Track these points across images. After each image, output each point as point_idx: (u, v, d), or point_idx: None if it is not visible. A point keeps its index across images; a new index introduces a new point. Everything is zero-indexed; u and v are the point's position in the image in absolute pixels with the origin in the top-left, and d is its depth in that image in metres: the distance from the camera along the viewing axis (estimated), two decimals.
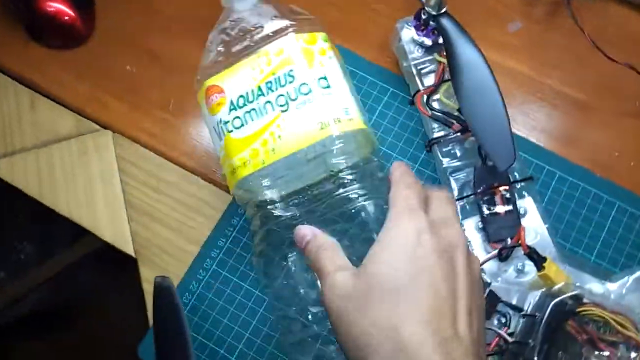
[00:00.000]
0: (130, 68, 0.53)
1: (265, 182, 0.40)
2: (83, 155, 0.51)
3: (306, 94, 0.39)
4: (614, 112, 0.50)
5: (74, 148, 0.51)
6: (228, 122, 0.40)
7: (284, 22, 0.41)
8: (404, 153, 0.49)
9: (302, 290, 0.40)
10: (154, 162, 0.51)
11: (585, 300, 0.38)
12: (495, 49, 0.52)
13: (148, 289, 0.47)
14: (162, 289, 0.39)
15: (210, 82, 0.41)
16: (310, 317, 0.40)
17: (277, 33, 0.41)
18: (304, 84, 0.39)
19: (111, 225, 0.49)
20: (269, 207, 0.40)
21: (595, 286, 0.41)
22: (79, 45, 0.54)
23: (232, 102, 0.40)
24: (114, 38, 0.54)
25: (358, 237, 0.39)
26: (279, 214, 0.40)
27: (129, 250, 0.49)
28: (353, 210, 0.39)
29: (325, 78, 0.40)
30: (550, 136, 0.50)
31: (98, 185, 0.50)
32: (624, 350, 0.37)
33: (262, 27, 0.41)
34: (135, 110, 0.52)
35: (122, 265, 0.49)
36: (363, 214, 0.39)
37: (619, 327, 0.37)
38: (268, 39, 0.41)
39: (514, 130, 0.49)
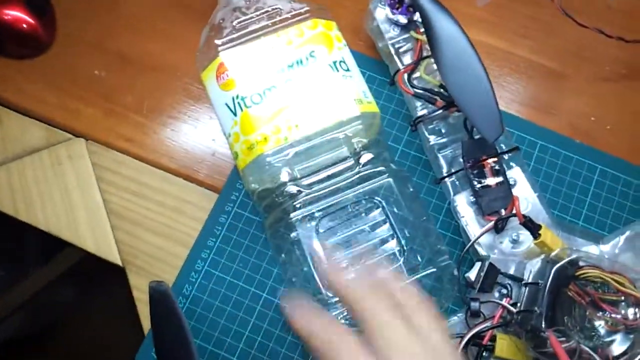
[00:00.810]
0: (98, 72, 0.51)
1: (286, 161, 0.40)
2: (57, 165, 0.49)
3: (328, 74, 0.40)
4: (588, 78, 0.51)
5: (47, 159, 0.49)
6: (246, 97, 0.40)
7: (303, 6, 0.42)
8: (387, 136, 0.49)
9: (312, 285, 0.40)
10: (132, 167, 0.49)
11: (582, 264, 0.39)
12: (465, 24, 0.51)
13: (139, 296, 0.46)
14: (158, 294, 0.38)
15: (224, 57, 0.40)
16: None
17: (296, 16, 0.42)
18: (327, 64, 0.41)
19: (94, 235, 0.47)
20: (287, 187, 0.40)
21: (590, 249, 0.42)
22: (41, 53, 0.52)
23: (250, 78, 0.40)
24: (78, 42, 0.52)
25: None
26: (297, 195, 0.40)
27: (115, 259, 0.47)
28: (375, 189, 0.40)
29: (344, 62, 0.41)
30: (528, 107, 0.50)
31: (76, 195, 0.48)
32: (625, 307, 0.37)
33: (280, 9, 0.42)
34: (108, 115, 0.50)
35: (104, 277, 0.48)
36: (386, 190, 0.41)
37: (618, 286, 0.37)
38: (287, 20, 0.42)
39: None
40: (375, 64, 0.51)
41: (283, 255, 0.40)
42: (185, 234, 0.47)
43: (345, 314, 0.39)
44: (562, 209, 0.47)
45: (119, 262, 0.47)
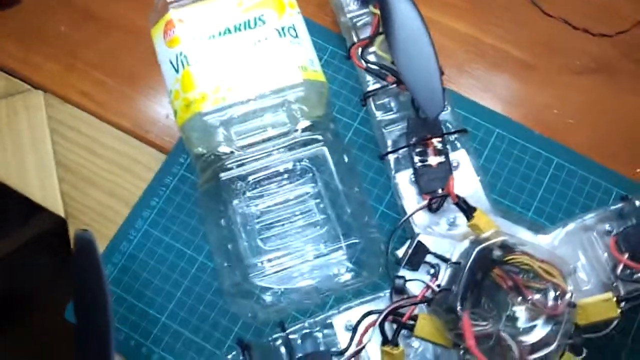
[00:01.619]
0: (64, 28, 0.52)
1: (223, 121, 0.39)
2: (13, 115, 0.49)
3: (275, 39, 0.40)
4: (555, 70, 0.50)
5: (3, 109, 0.50)
6: (189, 55, 0.40)
7: None
8: (342, 111, 0.48)
9: (236, 246, 0.40)
10: (86, 122, 0.49)
11: (515, 250, 0.38)
12: (436, 9, 0.52)
13: None
14: (82, 241, 0.38)
15: (174, 14, 0.40)
16: (239, 273, 0.39)
17: None
18: (275, 29, 0.40)
19: (41, 186, 0.48)
20: (221, 146, 0.39)
21: (526, 236, 0.41)
22: (12, 6, 0.52)
23: (195, 37, 0.40)
24: None
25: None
26: (229, 155, 0.40)
27: (59, 211, 0.47)
28: (309, 156, 0.40)
29: (294, 28, 0.41)
30: (490, 94, 0.49)
31: (28, 146, 0.49)
32: (549, 296, 0.36)
33: None
34: (69, 70, 0.50)
35: None
36: (320, 158, 0.40)
37: (545, 275, 0.36)
38: None
39: (454, 89, 0.49)
40: (338, 39, 0.50)
41: (211, 217, 0.40)
42: (130, 192, 0.47)
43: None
44: (512, 199, 0.46)
45: (62, 214, 0.47)
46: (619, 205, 0.42)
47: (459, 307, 0.35)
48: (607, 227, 0.41)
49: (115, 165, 0.48)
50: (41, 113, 0.49)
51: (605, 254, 0.40)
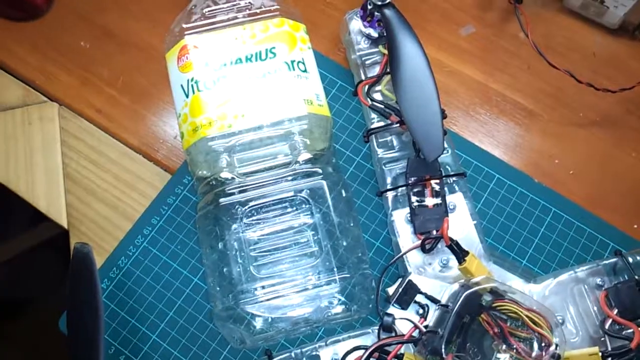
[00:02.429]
0: (84, 44, 0.53)
1: (227, 148, 0.41)
2: (27, 125, 0.51)
3: (284, 72, 0.41)
4: (558, 120, 0.51)
5: (19, 117, 0.51)
6: (200, 81, 0.41)
7: (273, 4, 0.44)
8: (346, 145, 0.49)
9: (230, 271, 0.40)
10: (97, 136, 0.50)
11: (504, 297, 0.38)
12: (446, 51, 0.53)
13: None
14: (80, 254, 0.39)
15: (189, 40, 0.42)
16: (231, 298, 0.40)
17: (265, 13, 0.43)
18: (284, 62, 0.42)
19: (47, 195, 0.49)
20: (222, 172, 0.41)
21: (517, 284, 0.41)
22: (35, 19, 0.54)
23: (207, 64, 0.41)
24: (72, 13, 0.54)
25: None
26: (230, 181, 0.41)
27: (62, 221, 0.48)
28: (307, 187, 0.41)
29: (303, 62, 0.42)
30: (492, 139, 0.50)
31: (39, 155, 0.50)
32: (533, 345, 0.36)
33: (251, 3, 0.44)
34: (84, 85, 0.52)
35: None
36: (319, 191, 0.41)
37: (531, 324, 0.37)
38: (255, 15, 0.43)
39: (458, 132, 0.50)
40: (348, 75, 0.51)
41: (207, 239, 0.41)
42: (132, 209, 0.48)
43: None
44: (507, 246, 0.47)
45: (65, 225, 0.48)
46: (612, 260, 0.42)
47: (443, 350, 0.35)
48: (598, 281, 0.41)
49: (120, 181, 0.49)
50: (54, 125, 0.51)
51: (595, 308, 0.40)
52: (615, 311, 0.39)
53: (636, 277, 0.40)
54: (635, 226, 0.47)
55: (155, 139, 0.50)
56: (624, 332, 0.39)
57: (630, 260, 0.41)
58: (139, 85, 0.52)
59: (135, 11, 0.54)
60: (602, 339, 0.39)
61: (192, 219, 0.47)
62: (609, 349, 0.39)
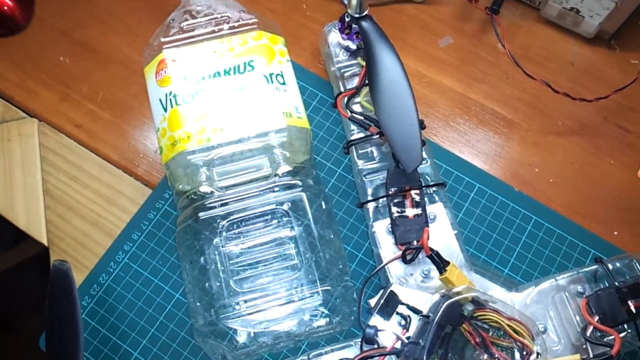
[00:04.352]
0: (63, 59, 0.53)
1: (206, 161, 0.41)
2: (6, 141, 0.50)
3: (262, 85, 0.41)
4: (538, 129, 0.51)
5: None
6: (178, 95, 0.41)
7: (251, 18, 0.44)
8: (327, 157, 0.49)
9: (211, 285, 0.40)
10: (77, 152, 0.50)
11: (486, 307, 0.38)
12: (425, 62, 0.53)
13: None
14: (59, 272, 0.38)
15: (167, 54, 0.42)
16: (213, 313, 0.40)
17: (243, 26, 0.43)
18: (263, 75, 0.42)
19: (26, 212, 0.48)
20: (202, 186, 0.40)
21: (499, 293, 0.41)
22: (15, 34, 0.54)
23: (186, 78, 0.41)
24: (51, 29, 0.54)
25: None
26: (209, 195, 0.40)
27: (42, 238, 0.48)
28: (287, 200, 0.41)
29: (282, 75, 0.42)
30: (472, 149, 0.50)
31: (18, 172, 0.50)
32: (519, 356, 0.36)
33: (229, 17, 0.44)
34: (64, 100, 0.52)
35: None
36: (299, 203, 0.41)
37: (512, 333, 0.37)
38: (234, 28, 0.43)
39: (438, 142, 0.50)
40: (328, 87, 0.52)
41: (187, 254, 0.41)
42: (113, 224, 0.48)
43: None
44: (489, 254, 0.47)
45: (45, 242, 0.47)
46: (593, 267, 0.42)
47: None
48: (579, 288, 0.41)
49: (101, 197, 0.49)
50: (33, 141, 0.50)
51: (577, 315, 0.41)
52: (597, 318, 0.39)
53: (616, 284, 0.40)
54: (616, 233, 0.47)
55: (136, 153, 0.50)
56: (605, 339, 0.39)
57: (611, 267, 0.41)
58: (119, 100, 0.52)
59: (114, 26, 0.54)
60: (584, 346, 0.39)
61: (173, 235, 0.47)
62: (591, 356, 0.39)
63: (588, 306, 0.40)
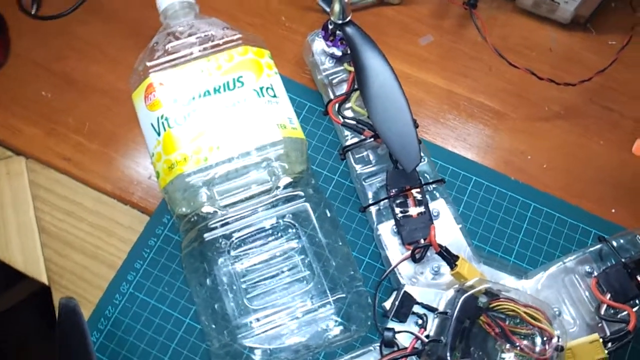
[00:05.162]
0: (45, 93, 0.52)
1: (205, 181, 0.40)
2: None
3: (254, 100, 0.41)
4: (525, 117, 0.52)
5: None
6: (170, 118, 0.40)
7: (235, 34, 0.43)
8: (323, 165, 0.49)
9: (223, 306, 0.40)
10: (68, 186, 0.49)
11: (500, 297, 0.38)
12: (408, 62, 0.54)
13: None
14: (67, 310, 0.37)
15: (154, 78, 0.41)
16: (227, 334, 0.39)
17: (228, 42, 0.43)
18: (253, 90, 0.41)
19: (23, 252, 0.47)
20: (204, 207, 0.40)
21: (510, 282, 0.41)
22: None
23: (176, 100, 0.41)
24: (29, 64, 0.53)
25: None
26: (213, 216, 0.40)
27: (42, 277, 0.46)
28: (291, 212, 0.40)
29: (272, 88, 0.42)
30: (464, 142, 0.51)
31: (10, 212, 0.48)
32: (536, 340, 0.36)
33: (213, 35, 0.43)
34: (50, 135, 0.51)
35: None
36: (303, 214, 0.40)
37: (530, 320, 0.37)
38: (218, 46, 0.43)
39: (430, 139, 0.50)
40: (316, 96, 0.52)
41: (196, 277, 0.40)
42: (114, 256, 0.47)
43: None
44: (493, 245, 0.47)
45: (45, 281, 0.46)
46: (597, 246, 0.43)
47: (448, 357, 0.35)
48: (587, 268, 0.42)
49: (98, 229, 0.48)
50: (23, 179, 0.49)
51: (588, 295, 0.41)
52: (608, 296, 0.40)
53: (622, 260, 0.41)
54: (613, 210, 0.48)
55: (129, 181, 0.49)
56: (619, 316, 0.40)
57: (615, 244, 0.42)
58: (106, 129, 0.51)
59: (94, 55, 0.53)
60: (600, 325, 0.40)
61: (176, 259, 0.46)
62: (608, 333, 0.39)
63: (598, 285, 0.41)
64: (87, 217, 0.48)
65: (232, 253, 0.40)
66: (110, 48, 0.54)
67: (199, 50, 0.43)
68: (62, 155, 0.50)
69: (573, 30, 0.54)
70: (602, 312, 0.40)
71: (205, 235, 0.40)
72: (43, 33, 0.54)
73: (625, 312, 0.39)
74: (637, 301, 0.40)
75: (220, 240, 0.40)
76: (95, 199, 0.49)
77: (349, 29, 0.44)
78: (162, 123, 0.41)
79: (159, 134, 0.41)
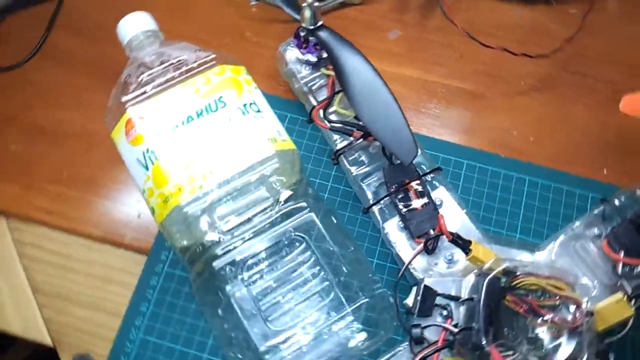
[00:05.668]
0: (15, 147, 0.50)
1: (204, 209, 0.38)
2: None
3: (240, 118, 0.40)
4: (504, 94, 0.52)
5: None
6: (156, 150, 0.39)
7: (208, 54, 0.42)
8: (314, 173, 0.48)
9: (244, 333, 0.38)
10: (56, 239, 0.47)
11: (518, 273, 0.38)
12: (380, 59, 0.53)
13: None
14: None
15: (132, 113, 0.40)
16: None
17: (202, 64, 0.42)
18: (237, 108, 0.40)
19: (20, 316, 0.45)
20: (207, 235, 0.38)
21: (525, 257, 0.41)
22: None
23: (159, 131, 0.39)
24: None
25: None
26: (218, 243, 0.38)
27: (45, 339, 0.44)
28: (298, 225, 0.39)
29: (255, 103, 0.41)
30: (449, 129, 0.51)
31: None
32: (565, 310, 0.36)
33: (186, 59, 0.42)
34: (28, 189, 0.49)
35: None
36: (309, 225, 0.39)
37: (555, 290, 0.37)
38: (193, 70, 0.42)
39: (415, 131, 0.50)
40: (296, 106, 0.51)
41: (211, 309, 0.39)
42: (116, 303, 0.45)
43: None
44: (497, 224, 0.47)
45: (50, 343, 0.44)
46: (600, 208, 0.43)
47: (484, 342, 0.34)
48: (595, 231, 0.42)
49: (94, 278, 0.46)
50: (7, 240, 0.47)
51: (602, 257, 0.41)
52: (622, 254, 0.40)
53: (628, 217, 0.41)
54: (605, 171, 0.49)
55: (118, 223, 0.47)
56: (636, 271, 0.40)
57: (617, 203, 0.42)
58: (84, 174, 0.49)
59: (59, 100, 0.52)
60: (618, 284, 0.40)
61: (182, 295, 0.44)
62: (629, 291, 0.39)
63: (609, 245, 0.41)
64: (81, 267, 0.46)
65: (244, 278, 0.39)
66: (74, 91, 0.52)
67: (174, 77, 0.41)
68: (44, 209, 0.48)
69: (536, 5, 0.55)
70: (619, 271, 0.40)
71: (214, 264, 0.38)
72: (1, 86, 0.52)
73: None
74: None
75: (230, 267, 0.38)
76: (86, 248, 0.47)
77: (322, 33, 0.43)
78: (149, 157, 0.39)
79: (147, 169, 0.39)
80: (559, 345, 0.35)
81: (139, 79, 0.41)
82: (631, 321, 0.37)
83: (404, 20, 0.55)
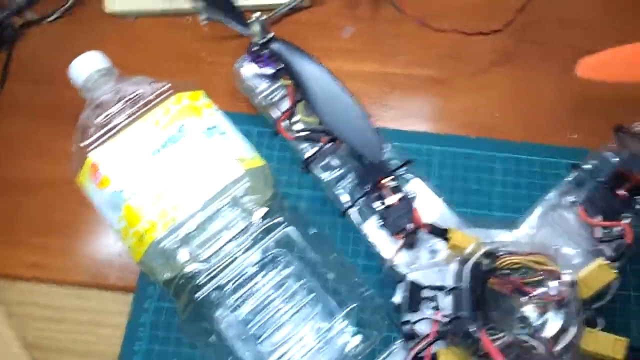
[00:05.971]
0: None
1: (180, 240, 0.38)
2: None
3: (205, 143, 0.40)
4: (465, 75, 0.52)
5: None
6: (124, 190, 0.39)
7: (163, 85, 0.42)
8: (289, 184, 0.48)
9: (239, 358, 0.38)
10: (41, 292, 0.47)
11: (499, 254, 0.38)
12: (336, 58, 0.53)
13: None
14: None
15: (94, 157, 0.39)
16: None
17: (158, 96, 0.41)
18: (200, 133, 0.40)
19: None
20: (187, 266, 0.38)
21: (504, 236, 0.41)
22: None
23: (124, 170, 0.39)
24: None
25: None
26: (199, 272, 0.38)
27: None
28: (277, 240, 0.39)
29: (217, 126, 0.41)
30: (417, 118, 0.51)
31: None
32: (552, 284, 0.36)
33: (142, 93, 0.42)
34: (6, 246, 0.48)
35: None
36: (288, 239, 0.39)
37: (537, 266, 0.37)
38: (151, 102, 0.41)
39: (382, 125, 0.50)
40: (260, 120, 0.51)
41: (203, 338, 0.39)
42: (109, 346, 0.45)
43: None
44: (477, 206, 0.47)
45: None
46: (573, 175, 0.43)
47: (474, 329, 0.34)
48: (570, 199, 0.42)
49: (85, 324, 0.46)
50: None
51: (580, 224, 0.41)
52: (599, 218, 0.40)
53: (599, 180, 0.42)
54: (575, 136, 0.49)
55: (101, 265, 0.47)
56: (613, 233, 0.40)
57: (589, 166, 0.42)
58: (61, 222, 0.49)
59: (25, 151, 0.51)
60: (600, 248, 0.40)
61: (174, 327, 0.44)
62: (610, 254, 0.39)
63: (585, 211, 0.41)
64: (70, 315, 0.46)
65: (230, 303, 0.39)
66: (39, 139, 0.52)
67: (133, 113, 0.41)
68: (26, 263, 0.48)
69: None
70: (600, 235, 0.40)
71: (198, 294, 0.38)
72: None
73: (619, 228, 0.40)
74: (626, 214, 0.40)
75: (214, 294, 0.38)
76: (72, 296, 0.47)
77: (275, 45, 0.43)
78: (118, 198, 0.39)
79: (118, 210, 0.39)
80: (547, 320, 0.36)
81: (96, 121, 0.41)
82: (616, 283, 0.37)
83: (356, 15, 0.55)
